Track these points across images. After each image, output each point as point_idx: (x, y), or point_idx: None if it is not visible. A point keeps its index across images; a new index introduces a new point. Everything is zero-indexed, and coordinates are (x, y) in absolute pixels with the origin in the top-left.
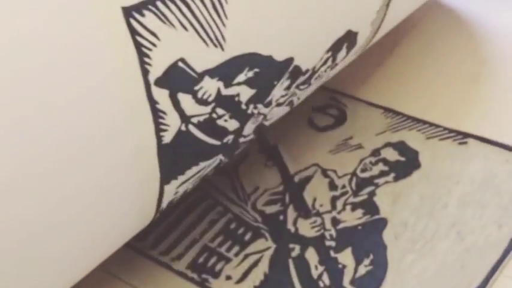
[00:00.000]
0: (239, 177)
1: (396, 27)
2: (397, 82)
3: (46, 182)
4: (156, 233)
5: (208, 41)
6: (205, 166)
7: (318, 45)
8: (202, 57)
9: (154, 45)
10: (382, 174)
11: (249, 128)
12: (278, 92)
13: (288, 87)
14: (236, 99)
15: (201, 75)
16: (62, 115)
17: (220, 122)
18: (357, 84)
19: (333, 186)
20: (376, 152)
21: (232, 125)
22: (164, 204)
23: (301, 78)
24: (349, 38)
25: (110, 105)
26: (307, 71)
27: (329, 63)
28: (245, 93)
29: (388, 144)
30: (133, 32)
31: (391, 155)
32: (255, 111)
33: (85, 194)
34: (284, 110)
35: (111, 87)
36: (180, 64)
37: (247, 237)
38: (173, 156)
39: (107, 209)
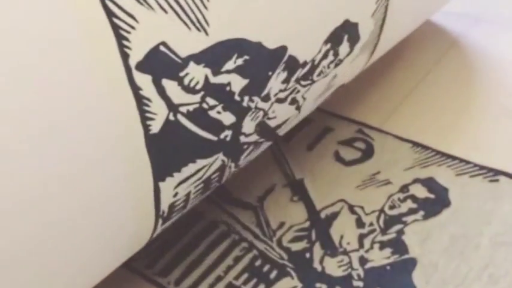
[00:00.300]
0: (264, 212)
1: (422, 60)
2: (425, 115)
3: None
4: (180, 269)
5: (191, 25)
6: (205, 165)
7: (313, 34)
8: (185, 42)
9: (132, 27)
10: (411, 211)
11: (249, 124)
12: (275, 84)
13: (287, 81)
14: (227, 88)
15: (185, 61)
16: (40, 107)
17: (212, 114)
18: (384, 116)
19: (360, 223)
20: (404, 188)
21: (227, 118)
22: (164, 206)
23: (300, 72)
24: (348, 29)
25: (89, 91)
26: (305, 63)
27: (330, 57)
28: (237, 82)
29: (416, 180)
30: (109, 14)
31: (420, 191)
32: (252, 105)
33: (73, 192)
34: (289, 109)
35: (89, 70)
36: (162, 48)
37: (273, 275)
38: (164, 149)
39: (100, 211)
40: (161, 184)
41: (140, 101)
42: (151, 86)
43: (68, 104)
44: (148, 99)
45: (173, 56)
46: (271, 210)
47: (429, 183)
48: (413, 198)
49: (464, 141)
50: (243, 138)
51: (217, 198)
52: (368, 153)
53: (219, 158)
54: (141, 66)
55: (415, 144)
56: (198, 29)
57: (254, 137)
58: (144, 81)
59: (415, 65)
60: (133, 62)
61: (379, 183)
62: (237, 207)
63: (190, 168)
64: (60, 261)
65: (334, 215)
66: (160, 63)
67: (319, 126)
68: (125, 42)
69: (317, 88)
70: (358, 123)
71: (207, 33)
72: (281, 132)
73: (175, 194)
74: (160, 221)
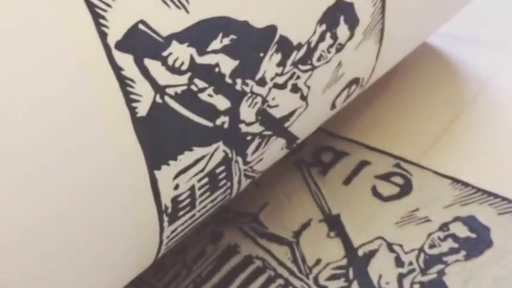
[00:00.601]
0: (300, 248)
1: (460, 94)
2: (464, 151)
3: None
4: None
5: (170, 2)
6: (204, 155)
7: (304, 13)
8: (166, 20)
9: (109, 5)
10: (452, 251)
11: (247, 111)
12: (270, 67)
13: (282, 64)
14: (216, 70)
15: (167, 40)
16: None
17: (203, 97)
18: (422, 151)
19: (399, 262)
20: (444, 227)
21: (221, 102)
22: (165, 199)
23: (296, 54)
24: (343, 9)
25: (68, 72)
26: (300, 45)
27: (328, 40)
28: (226, 63)
29: (457, 219)
30: None
31: (461, 230)
32: (246, 89)
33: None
34: (292, 98)
35: (66, 51)
36: (141, 27)
37: None
38: (155, 134)
39: (94, 205)
40: (157, 173)
41: (123, 82)
42: (134, 66)
43: (49, 88)
44: (132, 80)
45: (154, 35)
46: (307, 246)
47: (470, 222)
48: (454, 237)
49: (506, 179)
50: (244, 127)
51: (252, 233)
52: (406, 188)
53: (220, 148)
54: (121, 46)
55: (455, 180)
56: (178, 7)
57: (257, 127)
58: (126, 61)
59: (453, 99)
60: (112, 41)
61: (419, 220)
62: (273, 242)
63: (187, 157)
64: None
65: (372, 253)
66: (141, 43)
67: (355, 159)
68: (102, 21)
69: (321, 76)
70: (396, 157)
71: (187, 11)
72: (293, 129)
73: (176, 186)
74: (165, 218)
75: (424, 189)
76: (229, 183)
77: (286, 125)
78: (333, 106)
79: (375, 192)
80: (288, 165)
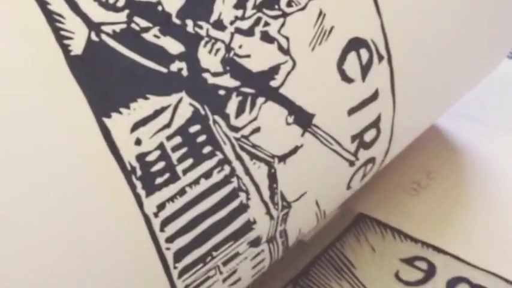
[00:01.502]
0: None
1: None
2: None
3: None
4: None
5: None
6: (165, 107)
7: None
8: None
9: None
10: None
11: (208, 58)
12: (226, 9)
13: (241, 6)
14: (159, 8)
15: None
16: None
17: (149, 38)
18: None
19: None
20: None
21: (171, 45)
22: (128, 156)
23: None
24: None
25: None
26: None
27: None
28: (169, 2)
29: None
30: None
31: None
32: (201, 32)
33: None
34: (267, 49)
35: None
36: None
37: None
38: (95, 76)
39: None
40: (107, 121)
41: (50, 16)
42: (61, 1)
43: None
44: (60, 15)
45: None
46: None
47: None
48: None
49: None
50: (210, 78)
51: None
52: None
53: (185, 101)
54: None
55: None
56: None
57: (229, 80)
58: None
59: None
60: None
61: None
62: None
63: (143, 106)
64: None
65: None
66: None
67: None
68: None
69: (299, 25)
70: None
71: None
72: (289, 93)
73: (138, 141)
74: (137, 184)
75: None
76: (220, 155)
77: (274, 84)
78: (347, 77)
79: None
80: None
